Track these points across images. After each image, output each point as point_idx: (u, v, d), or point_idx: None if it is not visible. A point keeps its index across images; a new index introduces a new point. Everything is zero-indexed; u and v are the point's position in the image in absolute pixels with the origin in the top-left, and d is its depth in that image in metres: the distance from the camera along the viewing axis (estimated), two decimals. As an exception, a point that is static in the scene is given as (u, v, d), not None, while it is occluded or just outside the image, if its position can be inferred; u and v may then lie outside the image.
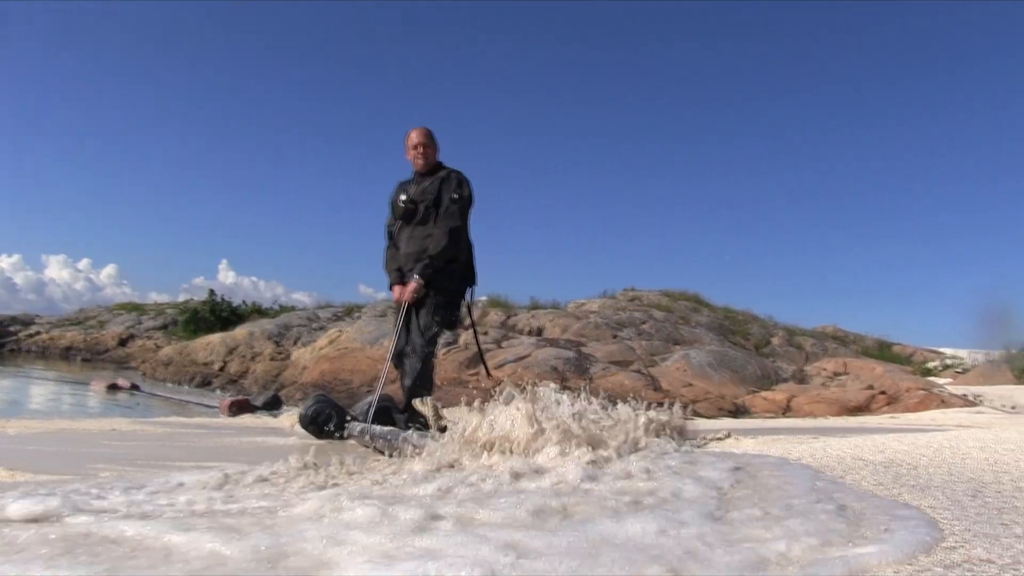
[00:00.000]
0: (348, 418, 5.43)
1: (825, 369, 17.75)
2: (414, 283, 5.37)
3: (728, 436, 6.45)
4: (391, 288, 5.52)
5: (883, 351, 22.92)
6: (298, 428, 5.72)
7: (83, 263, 61.53)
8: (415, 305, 5.39)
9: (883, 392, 14.33)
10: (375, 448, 4.59)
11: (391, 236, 5.59)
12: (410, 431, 4.36)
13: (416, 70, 68.27)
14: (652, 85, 66.57)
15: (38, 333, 34.76)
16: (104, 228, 67.33)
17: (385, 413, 5.32)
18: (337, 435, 5.36)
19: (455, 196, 5.40)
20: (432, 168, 5.49)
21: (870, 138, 59.41)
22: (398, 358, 5.50)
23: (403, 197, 5.48)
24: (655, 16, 63.64)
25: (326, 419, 5.38)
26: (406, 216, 5.46)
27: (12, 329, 35.73)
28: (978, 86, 55.04)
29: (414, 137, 5.45)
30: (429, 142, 5.47)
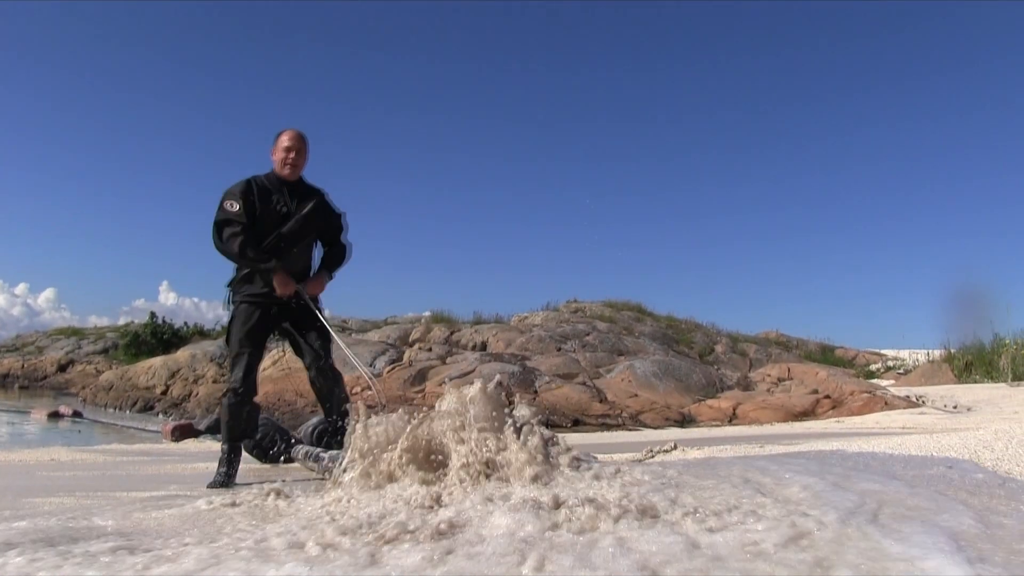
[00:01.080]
0: (292, 440, 5.26)
1: (769, 375, 17.85)
2: (326, 277, 4.95)
3: (675, 447, 6.30)
4: (264, 266, 4.54)
5: (826, 355, 23.21)
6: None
7: (20, 288, 59.59)
8: (302, 314, 4.71)
9: (827, 396, 14.40)
10: (318, 472, 4.41)
11: (244, 229, 4.53)
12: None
13: (371, 87, 67.75)
14: (587, 100, 67.06)
15: (-28, 360, 33.59)
16: (41, 251, 65.19)
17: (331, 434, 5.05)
18: (283, 459, 5.19)
19: (341, 216, 5.03)
20: (298, 180, 4.83)
21: (802, 141, 60.56)
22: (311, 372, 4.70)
23: (282, 207, 4.71)
24: (598, 33, 64.17)
25: (271, 443, 5.23)
26: (281, 223, 4.68)
27: (-55, 357, 34.47)
28: (916, 91, 56.52)
29: (289, 140, 4.73)
30: (304, 149, 4.79)
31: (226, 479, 4.38)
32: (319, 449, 4.72)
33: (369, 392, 15.64)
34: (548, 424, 13.50)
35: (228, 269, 4.78)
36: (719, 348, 21.08)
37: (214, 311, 37.25)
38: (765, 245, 58.02)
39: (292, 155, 4.74)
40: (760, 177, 61.76)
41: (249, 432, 4.66)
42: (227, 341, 4.70)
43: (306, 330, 4.73)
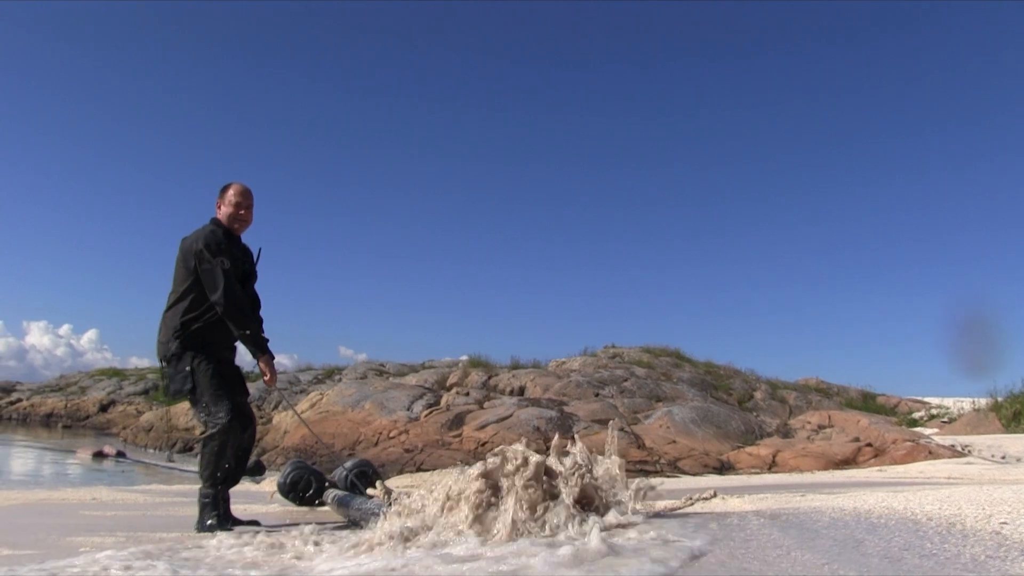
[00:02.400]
0: (326, 484, 5.33)
1: (809, 422, 17.64)
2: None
3: (714, 495, 6.30)
4: (262, 353, 4.53)
5: (867, 402, 22.88)
6: (278, 496, 5.60)
7: (64, 328, 60.94)
8: (234, 371, 4.66)
9: (869, 444, 14.22)
10: (346, 518, 4.48)
11: (241, 295, 4.52)
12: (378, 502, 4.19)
13: (397, 136, 68.88)
14: (626, 146, 67.52)
15: (19, 400, 34.36)
16: (84, 294, 66.83)
17: (363, 479, 5.11)
18: (316, 502, 5.23)
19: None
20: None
21: (844, 186, 60.31)
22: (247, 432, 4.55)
23: (246, 265, 4.71)
24: (625, 78, 64.82)
25: (305, 486, 5.26)
26: (241, 278, 4.63)
27: (-6, 397, 35.29)
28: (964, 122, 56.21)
29: (243, 197, 4.63)
30: (252, 205, 4.70)
31: (221, 523, 4.21)
32: (348, 494, 4.81)
33: (404, 437, 15.78)
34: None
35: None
36: (758, 395, 20.89)
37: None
38: (805, 291, 57.61)
39: (243, 211, 4.62)
40: (800, 222, 61.49)
41: (233, 472, 4.41)
42: (192, 388, 4.37)
43: (239, 390, 4.61)
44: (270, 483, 6.98)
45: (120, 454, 15.60)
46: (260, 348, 4.48)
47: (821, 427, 17.05)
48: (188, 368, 4.38)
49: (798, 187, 61.59)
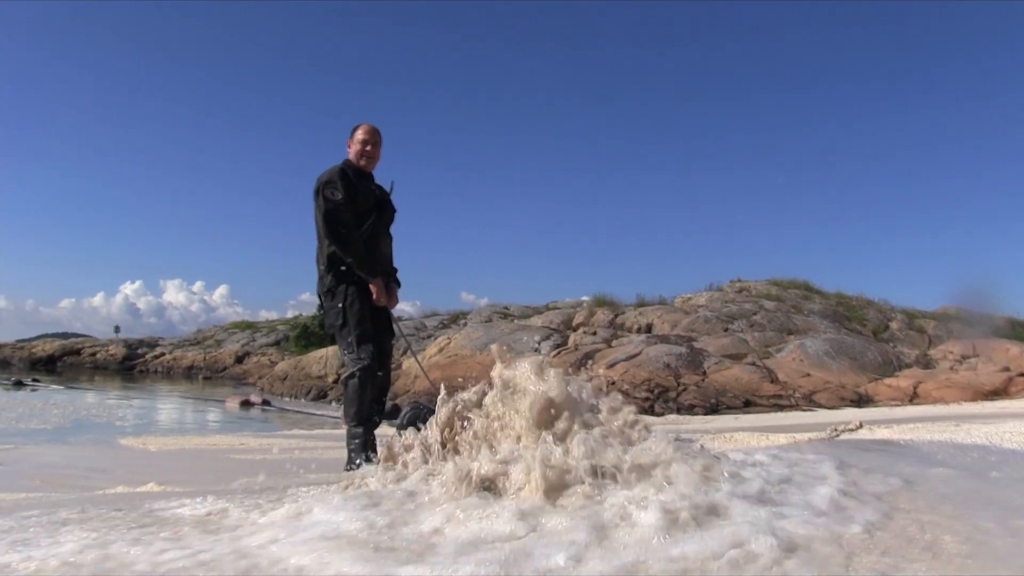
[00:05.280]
0: None
1: (951, 352, 16.99)
2: (398, 292, 5.01)
3: (860, 426, 6.25)
4: (370, 277, 4.64)
5: (1016, 330, 21.69)
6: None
7: (197, 286, 64.53)
8: (381, 312, 4.78)
9: (1021, 374, 13.60)
10: None
11: (347, 223, 4.66)
12: None
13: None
14: (756, 76, 65.24)
15: (162, 354, 36.55)
16: (215, 251, 70.46)
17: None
18: None
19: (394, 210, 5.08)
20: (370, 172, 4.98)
21: (977, 113, 56.56)
22: (383, 366, 4.75)
23: (376, 190, 4.91)
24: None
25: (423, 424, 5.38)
26: (378, 210, 4.86)
27: (140, 352, 37.73)
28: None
29: (369, 135, 4.90)
30: (379, 143, 4.96)
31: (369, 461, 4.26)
32: None
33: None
34: (718, 406, 13.49)
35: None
36: (894, 325, 20.19)
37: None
38: (943, 218, 54.71)
39: (369, 147, 4.88)
40: (934, 139, 58.22)
41: (375, 412, 4.60)
42: (341, 324, 4.58)
43: (384, 331, 4.79)
44: (389, 427, 7.33)
45: (265, 402, 16.51)
46: (367, 272, 4.63)
47: (965, 357, 16.41)
48: (340, 305, 4.60)
49: (935, 104, 58.18)
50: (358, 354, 4.51)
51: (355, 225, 4.68)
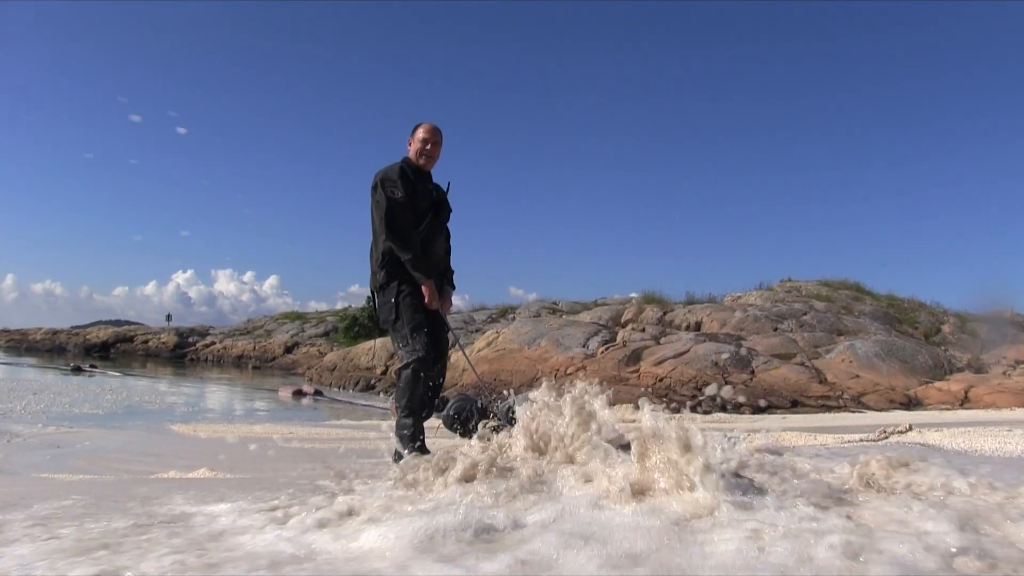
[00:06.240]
0: (490, 415, 5.43)
1: (1005, 357, 16.76)
2: (452, 295, 5.07)
3: (910, 429, 6.35)
4: (423, 278, 4.68)
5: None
6: (443, 430, 5.86)
7: (247, 276, 65.52)
8: (434, 312, 4.82)
9: (1078, 379, 13.43)
10: None
11: (406, 221, 4.73)
12: None
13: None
14: (814, 74, 64.42)
15: (213, 343, 37.35)
16: (265, 241, 71.60)
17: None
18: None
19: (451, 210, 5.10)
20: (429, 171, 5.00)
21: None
22: (438, 366, 4.86)
23: (433, 191, 4.94)
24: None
25: (467, 417, 5.07)
26: (435, 210, 4.90)
27: (191, 340, 38.63)
28: None
29: (430, 134, 4.89)
30: (440, 142, 4.95)
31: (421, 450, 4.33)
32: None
33: (582, 373, 16.19)
34: (766, 406, 13.53)
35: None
36: (946, 328, 19.95)
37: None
38: (995, 220, 53.57)
39: (429, 147, 4.86)
40: (987, 140, 56.97)
41: (427, 404, 4.66)
42: (395, 319, 4.65)
43: (439, 326, 4.86)
44: (436, 418, 7.49)
45: (317, 392, 16.93)
46: (420, 271, 4.67)
47: (1019, 362, 16.19)
48: (393, 300, 4.64)
49: (997, 105, 56.94)
50: (413, 346, 4.56)
51: (413, 224, 4.73)
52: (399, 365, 4.67)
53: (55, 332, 44.02)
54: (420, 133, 4.91)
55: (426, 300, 4.71)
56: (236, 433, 8.61)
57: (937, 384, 14.55)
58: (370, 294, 4.99)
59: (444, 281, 5.01)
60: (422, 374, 4.55)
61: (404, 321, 4.63)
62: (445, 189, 5.10)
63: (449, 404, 5.63)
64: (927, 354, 16.57)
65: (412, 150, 4.91)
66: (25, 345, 42.22)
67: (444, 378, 5.05)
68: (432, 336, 4.71)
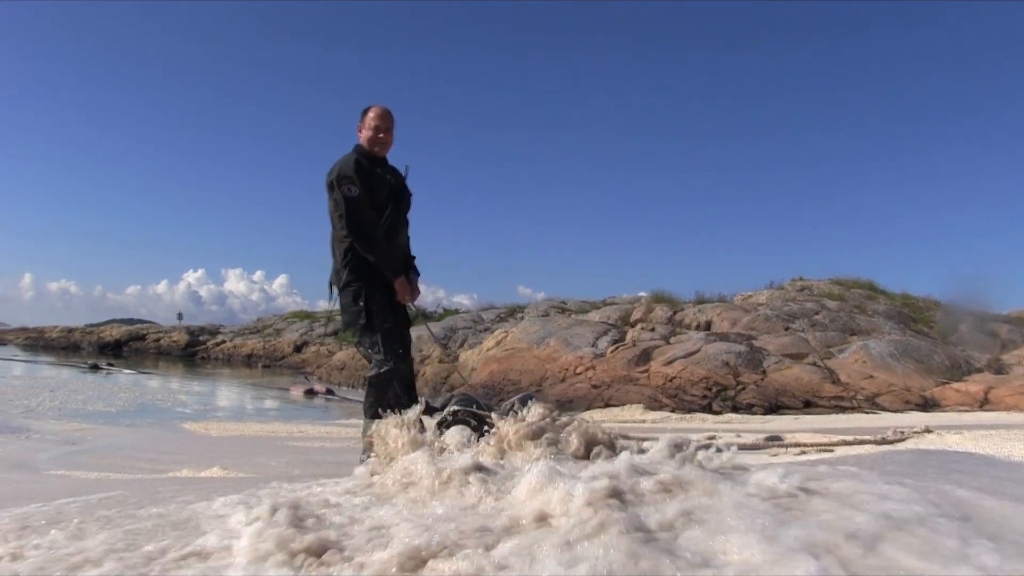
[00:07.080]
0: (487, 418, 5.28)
1: (1030, 356, 16.36)
2: (418, 281, 4.86)
3: (927, 431, 6.05)
4: (394, 276, 4.53)
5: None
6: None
7: (257, 275, 65.70)
8: (401, 308, 4.68)
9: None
10: None
11: (369, 219, 4.54)
12: None
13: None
14: (825, 72, 64.02)
15: (223, 342, 37.32)
16: (274, 241, 71.82)
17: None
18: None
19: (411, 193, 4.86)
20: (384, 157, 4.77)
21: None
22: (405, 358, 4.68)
23: (388, 177, 4.69)
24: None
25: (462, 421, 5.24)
26: (395, 200, 4.68)
27: (201, 339, 38.62)
28: None
29: (382, 120, 4.67)
30: (392, 127, 4.72)
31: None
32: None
33: (591, 373, 15.95)
34: (778, 407, 13.24)
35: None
36: (963, 328, 19.56)
37: (434, 294, 39.06)
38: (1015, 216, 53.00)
39: (382, 134, 4.64)
40: (1004, 135, 56.42)
41: (403, 403, 4.32)
42: (365, 323, 4.47)
43: (403, 323, 4.68)
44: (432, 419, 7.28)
45: (329, 391, 16.82)
46: (390, 271, 4.50)
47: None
48: (363, 304, 4.46)
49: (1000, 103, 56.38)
50: (385, 355, 4.43)
51: (375, 220, 4.52)
52: (370, 373, 4.52)
53: (70, 330, 44.12)
54: (371, 120, 4.67)
55: (398, 296, 4.56)
56: (247, 431, 8.58)
57: (955, 385, 14.21)
58: (329, 287, 4.76)
59: (409, 271, 4.79)
60: (393, 381, 4.44)
61: (375, 327, 4.47)
62: (404, 174, 4.84)
63: (451, 400, 5.45)
64: (944, 354, 16.22)
65: (364, 137, 4.67)
66: (42, 343, 42.42)
67: (415, 373, 4.92)
68: (404, 341, 4.58)
